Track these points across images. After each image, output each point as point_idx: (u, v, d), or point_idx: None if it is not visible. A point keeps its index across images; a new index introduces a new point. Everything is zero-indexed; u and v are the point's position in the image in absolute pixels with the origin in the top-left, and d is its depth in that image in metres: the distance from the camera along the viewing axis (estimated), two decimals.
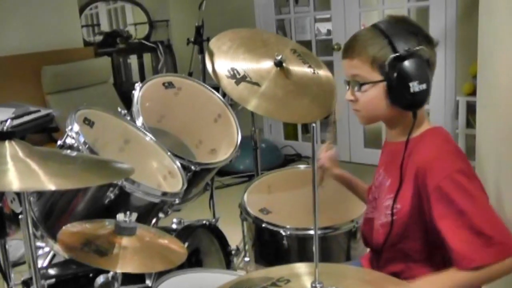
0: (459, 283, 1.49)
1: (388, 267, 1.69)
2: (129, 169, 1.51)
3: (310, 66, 1.93)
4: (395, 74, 1.52)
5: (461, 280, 1.48)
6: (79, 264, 1.95)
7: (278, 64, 1.83)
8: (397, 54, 1.52)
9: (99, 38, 6.72)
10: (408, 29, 1.58)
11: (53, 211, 1.98)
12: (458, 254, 1.46)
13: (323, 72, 1.96)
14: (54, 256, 2.18)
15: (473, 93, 4.30)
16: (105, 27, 7.12)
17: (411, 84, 1.50)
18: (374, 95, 1.59)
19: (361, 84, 1.60)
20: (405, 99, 1.54)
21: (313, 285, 1.15)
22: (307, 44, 5.53)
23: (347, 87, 1.67)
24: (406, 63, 1.51)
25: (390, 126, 1.70)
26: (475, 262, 1.44)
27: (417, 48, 1.53)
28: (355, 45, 1.61)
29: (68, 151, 1.94)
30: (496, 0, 2.37)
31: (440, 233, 1.48)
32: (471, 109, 4.44)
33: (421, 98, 1.54)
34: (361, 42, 1.60)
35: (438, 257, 1.59)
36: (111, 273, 1.69)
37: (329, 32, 6.21)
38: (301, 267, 1.28)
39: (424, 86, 1.52)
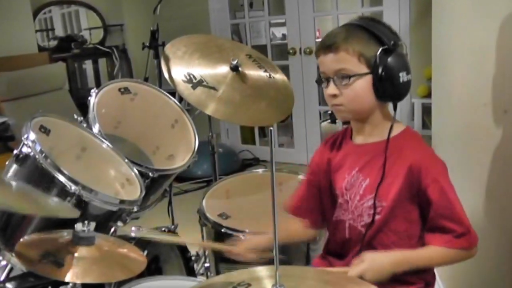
0: (450, 259, 1.65)
1: None
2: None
3: (266, 71, 1.94)
4: (384, 66, 1.57)
5: (453, 255, 1.62)
6: (37, 276, 1.92)
7: (234, 68, 1.83)
8: (386, 46, 1.58)
9: (53, 43, 6.60)
10: (384, 26, 1.65)
11: (10, 223, 1.93)
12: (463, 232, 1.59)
13: (279, 76, 1.98)
14: (11, 269, 2.13)
15: (428, 95, 4.39)
16: (59, 31, 7.00)
17: (401, 74, 1.58)
18: (361, 88, 1.61)
19: (350, 77, 1.61)
20: (393, 89, 1.60)
21: None
22: (262, 48, 5.56)
23: (325, 85, 1.67)
24: (396, 55, 1.58)
25: (364, 123, 1.71)
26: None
27: (400, 42, 1.62)
28: (337, 40, 1.62)
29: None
30: (449, 6, 2.42)
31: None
32: (426, 110, 4.55)
33: (407, 88, 1.62)
34: (345, 37, 1.62)
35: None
36: (70, 285, 1.67)
37: (284, 36, 6.25)
38: (262, 271, 1.29)
39: (410, 76, 1.61)
